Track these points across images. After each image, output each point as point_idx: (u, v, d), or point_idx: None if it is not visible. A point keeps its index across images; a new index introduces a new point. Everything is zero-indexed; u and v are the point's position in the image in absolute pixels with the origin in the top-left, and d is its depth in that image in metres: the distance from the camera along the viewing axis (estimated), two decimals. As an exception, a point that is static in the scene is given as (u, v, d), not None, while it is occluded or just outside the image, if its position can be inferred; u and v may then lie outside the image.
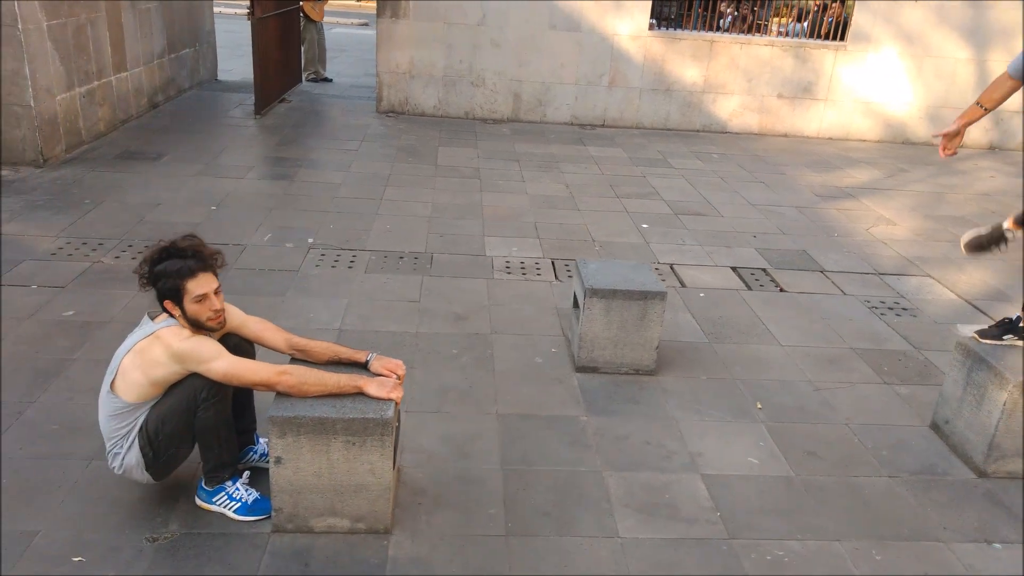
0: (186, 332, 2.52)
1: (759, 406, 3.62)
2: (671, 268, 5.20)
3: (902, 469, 3.23)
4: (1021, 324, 3.28)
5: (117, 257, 4.71)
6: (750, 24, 9.51)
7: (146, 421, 2.54)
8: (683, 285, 4.93)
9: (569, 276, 4.90)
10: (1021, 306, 3.33)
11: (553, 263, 5.13)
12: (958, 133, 3.32)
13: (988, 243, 3.27)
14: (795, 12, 10.04)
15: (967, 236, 3.34)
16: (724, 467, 3.15)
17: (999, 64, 9.27)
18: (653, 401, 3.60)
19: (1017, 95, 9.16)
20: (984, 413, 3.23)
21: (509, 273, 4.91)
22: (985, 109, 3.28)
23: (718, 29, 9.42)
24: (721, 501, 2.95)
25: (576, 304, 3.91)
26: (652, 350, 3.80)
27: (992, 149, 9.60)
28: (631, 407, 3.54)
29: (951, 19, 9.12)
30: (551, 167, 7.44)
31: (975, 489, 3.14)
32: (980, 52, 9.26)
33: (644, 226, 5.97)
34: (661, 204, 6.55)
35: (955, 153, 3.39)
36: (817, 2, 9.92)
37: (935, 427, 3.53)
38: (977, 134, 9.61)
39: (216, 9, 11.51)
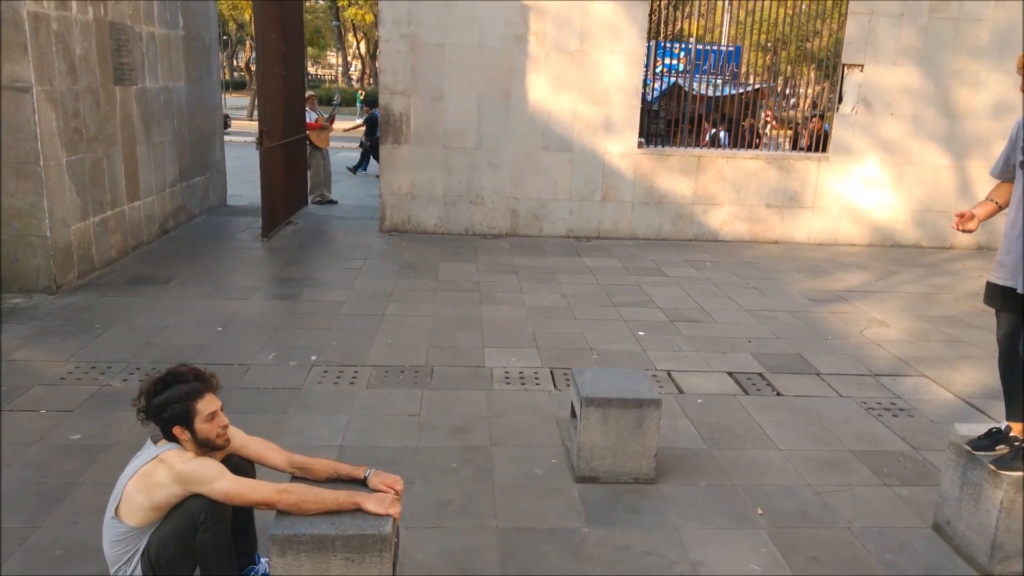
0: (189, 454, 2.60)
1: (760, 511, 3.62)
2: (668, 375, 5.27)
3: (906, 572, 3.21)
4: (1011, 433, 3.29)
5: (125, 380, 4.82)
6: (742, 139, 9.97)
7: (148, 546, 2.57)
8: (680, 391, 5.00)
9: (568, 385, 4.97)
10: (1005, 414, 3.35)
11: (552, 372, 5.22)
12: (973, 217, 3.30)
13: None
14: (784, 128, 10.54)
15: None
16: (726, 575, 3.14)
17: (977, 170, 9.65)
18: (653, 510, 3.61)
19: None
20: (983, 512, 3.23)
21: (508, 384, 4.99)
22: (998, 204, 3.33)
23: (714, 145, 9.85)
24: (724, 611, 2.92)
25: (573, 413, 3.97)
26: (651, 458, 3.83)
27: (980, 249, 9.84)
28: (631, 517, 3.54)
29: (927, 130, 9.56)
30: (548, 278, 7.64)
31: (981, 591, 3.11)
32: (959, 159, 9.66)
33: (641, 333, 6.08)
34: (657, 312, 6.69)
35: (966, 230, 3.33)
36: (779, 116, 10.43)
37: (937, 528, 3.52)
38: (962, 236, 9.86)
39: (226, 138, 12.10)
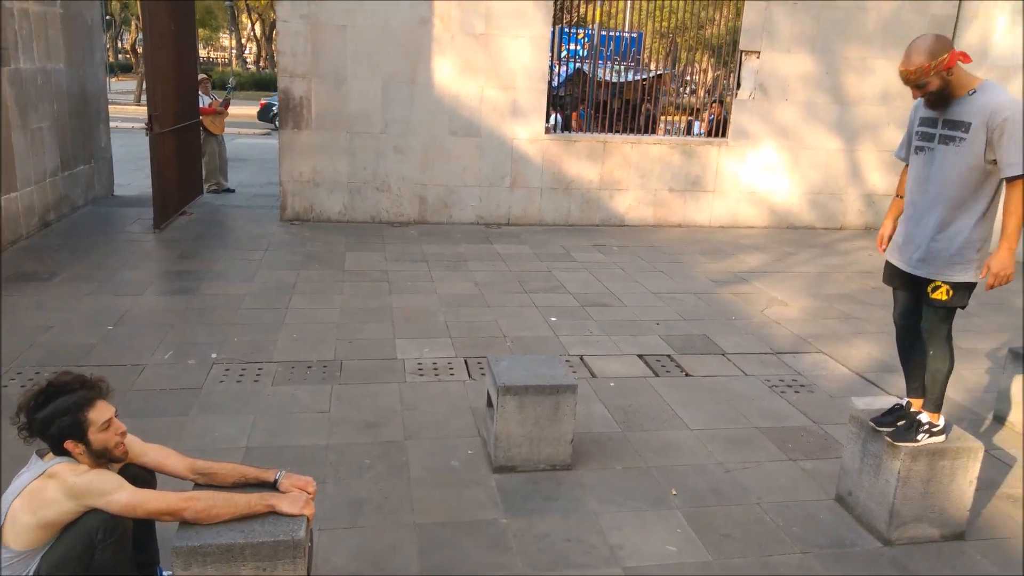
0: (83, 467, 2.40)
1: (674, 492, 3.68)
2: (581, 359, 5.30)
3: (813, 544, 3.33)
4: (911, 408, 3.41)
5: (5, 386, 4.46)
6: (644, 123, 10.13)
7: (38, 570, 2.36)
8: (593, 375, 5.03)
9: (482, 374, 4.93)
10: (906, 390, 3.51)
11: (466, 361, 5.15)
12: (883, 238, 3.53)
13: None
14: (683, 113, 10.78)
15: None
16: (644, 558, 3.17)
17: (867, 154, 10.14)
18: (571, 496, 3.61)
19: (888, 184, 9.97)
20: (882, 482, 3.38)
21: (421, 375, 4.90)
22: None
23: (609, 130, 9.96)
24: (643, 594, 2.95)
25: (490, 403, 3.92)
26: (567, 444, 3.83)
27: (868, 229, 10.36)
28: (550, 504, 3.53)
29: (820, 115, 9.96)
30: (459, 266, 7.56)
31: (882, 558, 3.26)
32: (849, 144, 10.11)
33: (552, 319, 6.10)
34: (567, 297, 6.72)
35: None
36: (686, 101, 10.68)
37: (840, 499, 3.66)
38: (853, 216, 10.37)
39: (112, 124, 11.41)
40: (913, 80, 3.03)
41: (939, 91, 3.05)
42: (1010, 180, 2.99)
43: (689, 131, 10.61)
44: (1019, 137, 2.92)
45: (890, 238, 3.52)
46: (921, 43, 3.00)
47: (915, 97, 3.14)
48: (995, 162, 3.00)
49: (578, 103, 10.63)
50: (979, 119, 2.99)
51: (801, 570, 3.14)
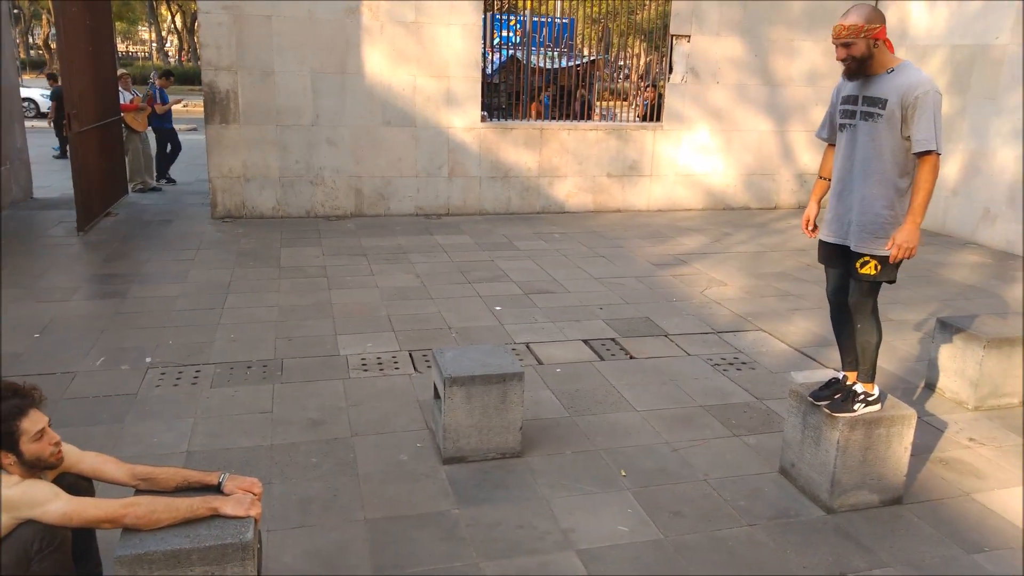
0: (14, 478, 2.29)
1: (623, 473, 3.71)
2: (527, 347, 5.30)
3: (759, 516, 3.40)
4: (847, 382, 3.51)
5: (-79, 401, 4.22)
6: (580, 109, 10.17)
7: (-31, 588, 2.25)
8: (540, 363, 5.04)
9: (428, 366, 4.88)
10: (841, 364, 3.61)
11: (411, 355, 5.10)
12: (810, 220, 3.63)
13: None
14: (618, 98, 10.86)
15: None
16: (596, 540, 3.19)
17: (797, 134, 10.40)
18: (522, 483, 3.61)
19: (818, 163, 10.25)
20: (823, 453, 3.47)
21: (366, 370, 4.83)
22: (828, 180, 3.58)
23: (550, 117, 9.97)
24: (597, 575, 2.97)
25: (437, 395, 3.89)
26: (516, 432, 3.82)
27: (800, 208, 10.64)
28: (501, 492, 3.52)
29: (751, 97, 10.16)
30: (400, 258, 7.48)
31: (825, 526, 3.35)
32: (780, 125, 10.35)
33: (497, 308, 6.08)
34: (511, 285, 6.72)
35: (813, 235, 3.64)
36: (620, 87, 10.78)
37: (783, 471, 3.75)
38: (786, 196, 10.64)
39: (28, 124, 10.90)
40: (844, 37, 3.13)
41: (861, 58, 3.15)
42: (921, 155, 3.10)
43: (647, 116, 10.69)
44: (930, 114, 3.05)
45: (815, 219, 3.62)
46: (861, 7, 3.14)
47: (838, 57, 3.22)
48: (910, 138, 3.11)
49: (541, 91, 10.61)
50: (895, 96, 3.12)
51: (749, 542, 3.21)
